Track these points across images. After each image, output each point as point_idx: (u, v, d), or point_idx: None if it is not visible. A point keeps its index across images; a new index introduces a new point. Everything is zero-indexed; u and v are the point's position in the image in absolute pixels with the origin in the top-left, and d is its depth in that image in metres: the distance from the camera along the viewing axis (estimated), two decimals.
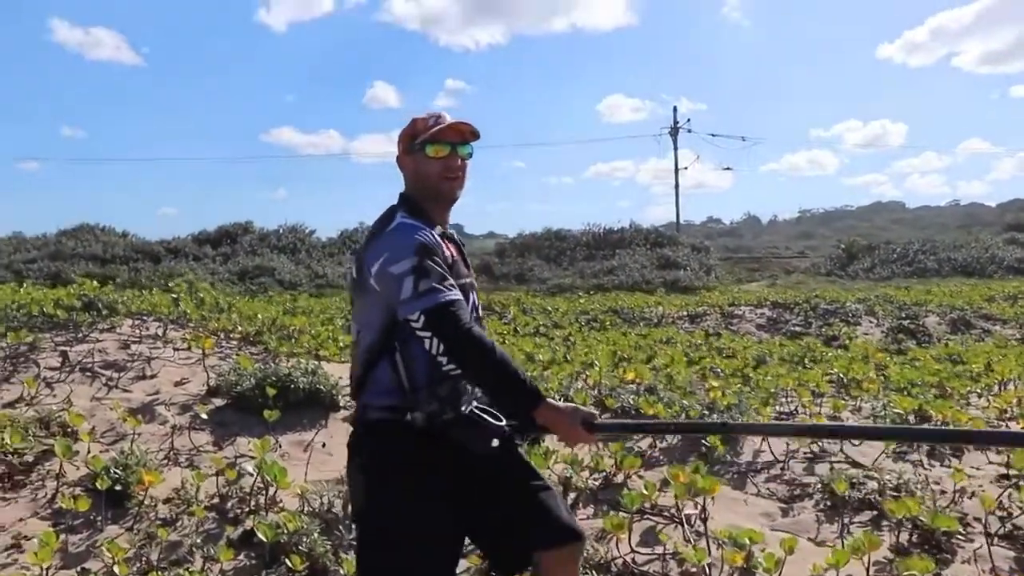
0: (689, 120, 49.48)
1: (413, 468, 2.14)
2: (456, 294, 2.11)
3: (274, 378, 5.19)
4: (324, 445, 4.91)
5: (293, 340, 6.96)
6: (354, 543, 2.72)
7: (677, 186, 51.35)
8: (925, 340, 12.92)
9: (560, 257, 39.70)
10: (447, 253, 2.22)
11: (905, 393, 6.13)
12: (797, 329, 14.06)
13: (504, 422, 2.15)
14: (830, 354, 9.18)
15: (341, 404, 5.40)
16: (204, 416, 4.92)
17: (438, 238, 2.21)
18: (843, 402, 5.91)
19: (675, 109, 50.71)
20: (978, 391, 6.60)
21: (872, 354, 9.16)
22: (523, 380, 2.09)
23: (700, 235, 55.00)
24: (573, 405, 2.20)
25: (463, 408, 2.13)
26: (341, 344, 7.22)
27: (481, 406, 2.15)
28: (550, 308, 15.54)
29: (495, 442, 2.14)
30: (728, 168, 52.15)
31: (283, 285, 24.79)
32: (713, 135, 52.75)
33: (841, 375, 6.96)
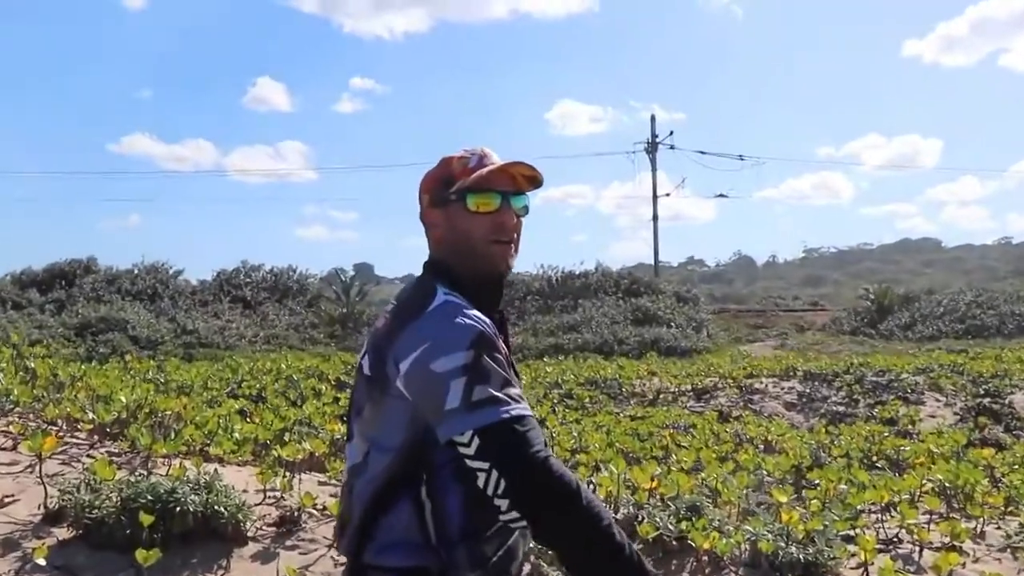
0: (672, 134, 49.67)
1: None
2: (526, 408, 1.92)
3: (150, 497, 4.57)
4: None
5: (172, 433, 6.33)
6: None
7: (656, 218, 51.57)
8: (1017, 426, 12.76)
9: (506, 309, 39.46)
10: (504, 350, 2.04)
11: None
12: (840, 409, 13.85)
13: None
14: (910, 448, 8.83)
15: (249, 534, 4.81)
16: (41, 561, 4.25)
17: (495, 327, 2.05)
18: (961, 524, 5.51)
19: (653, 119, 50.52)
20: None
21: (966, 449, 8.86)
22: (625, 548, 1.88)
23: (678, 279, 55.17)
24: None
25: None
26: (238, 436, 6.62)
27: None
28: None
29: None
30: (722, 195, 51.88)
31: (139, 344, 23.87)
32: (702, 152, 53.25)
33: (947, 484, 6.57)
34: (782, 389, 14.92)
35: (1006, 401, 13.91)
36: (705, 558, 4.93)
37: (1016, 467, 7.81)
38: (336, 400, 10.30)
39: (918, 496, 6.30)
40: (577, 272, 41.41)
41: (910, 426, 12.26)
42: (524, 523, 1.86)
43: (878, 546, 5.20)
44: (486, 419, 1.83)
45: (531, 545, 2.22)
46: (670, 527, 5.00)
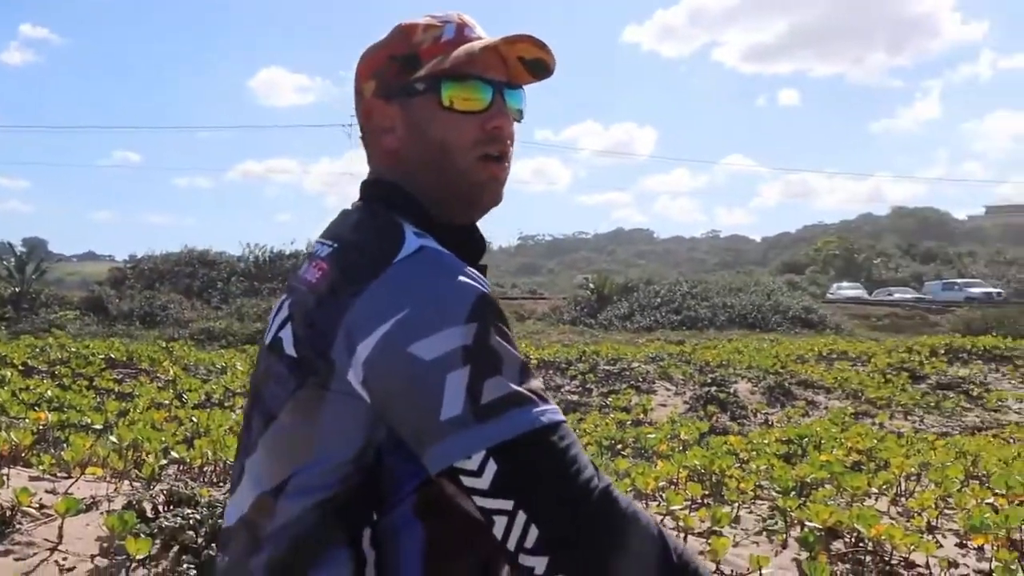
0: None
1: None
2: (559, 411, 1.26)
3: None
4: None
5: None
6: None
7: None
8: (741, 414, 13.63)
9: (208, 291, 38.29)
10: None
11: (797, 495, 6.16)
12: (574, 398, 14.28)
13: None
14: (654, 436, 9.23)
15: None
16: None
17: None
18: (722, 509, 5.79)
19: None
20: (876, 491, 6.83)
21: (705, 437, 9.35)
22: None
23: None
24: None
25: None
26: None
27: None
28: (227, 365, 14.61)
29: None
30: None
31: None
32: None
33: (702, 470, 6.91)
34: None
35: (731, 390, 14.86)
36: None
37: (756, 453, 8.30)
38: (27, 388, 9.57)
39: (675, 483, 6.57)
40: (287, 252, 40.72)
41: (643, 415, 12.86)
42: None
43: None
44: (508, 431, 1.19)
45: None
46: None
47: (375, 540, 1.30)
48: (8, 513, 4.60)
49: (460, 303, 1.25)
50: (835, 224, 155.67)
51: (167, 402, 10.32)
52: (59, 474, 5.69)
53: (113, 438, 6.14)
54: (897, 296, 53.84)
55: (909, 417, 13.82)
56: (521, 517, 1.17)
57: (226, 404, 10.85)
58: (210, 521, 4.52)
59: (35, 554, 4.43)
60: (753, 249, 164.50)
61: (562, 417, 1.25)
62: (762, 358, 18.40)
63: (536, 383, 1.26)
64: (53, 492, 5.06)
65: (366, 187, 1.54)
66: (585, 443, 8.83)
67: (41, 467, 5.69)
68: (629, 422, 11.43)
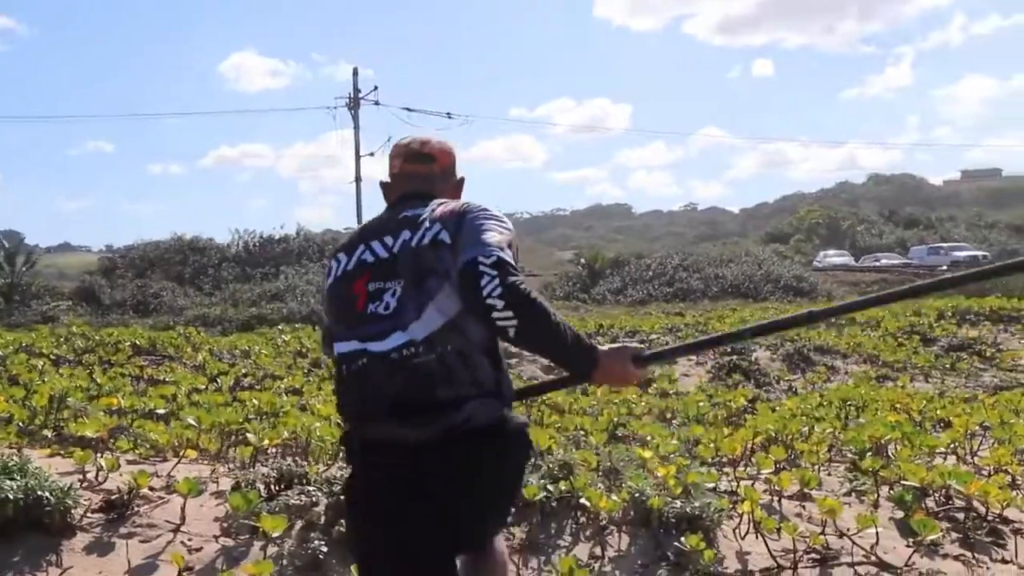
0: (376, 89, 49.10)
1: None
2: (519, 272, 2.84)
3: None
4: None
5: None
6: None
7: (359, 179, 50.62)
8: (764, 382, 13.68)
9: (199, 278, 38.08)
10: None
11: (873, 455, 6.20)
12: None
13: None
14: (701, 403, 9.27)
15: (77, 524, 4.31)
16: None
17: None
18: (809, 472, 5.83)
19: (355, 72, 49.66)
20: (944, 450, 6.86)
21: (752, 404, 9.39)
22: (583, 338, 2.80)
23: None
24: (619, 345, 2.96)
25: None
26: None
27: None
28: (250, 348, 14.56)
29: None
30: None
31: None
32: (409, 110, 52.99)
33: (775, 434, 6.93)
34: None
35: (752, 358, 14.93)
36: (584, 519, 4.94)
37: (807, 418, 8.32)
38: (71, 376, 9.50)
39: (750, 448, 6.58)
40: (277, 237, 40.49)
41: (668, 384, 12.87)
42: (512, 321, 2.66)
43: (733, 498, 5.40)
44: (504, 255, 2.74)
45: None
46: (548, 488, 4.96)
47: (487, 352, 2.85)
48: (124, 497, 4.57)
49: (504, 221, 2.92)
50: (813, 193, 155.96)
51: (203, 387, 10.26)
52: (152, 458, 5.67)
53: (192, 420, 6.11)
54: (884, 262, 54.12)
55: (929, 379, 13.91)
56: (496, 280, 2.67)
57: (264, 387, 10.80)
58: (331, 499, 4.51)
59: (159, 536, 4.42)
60: (731, 220, 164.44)
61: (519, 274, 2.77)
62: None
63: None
64: (156, 475, 5.03)
65: (429, 193, 3.14)
66: (639, 414, 8.84)
67: (138, 452, 5.66)
68: (656, 393, 11.44)
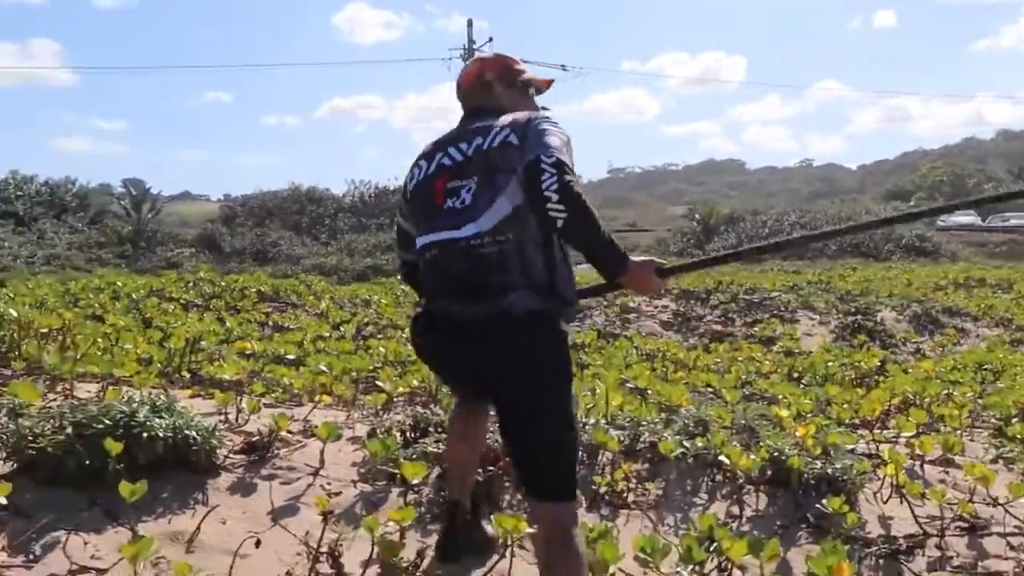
0: (491, 40, 48.70)
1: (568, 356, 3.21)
2: (577, 175, 3.10)
3: (107, 422, 4.07)
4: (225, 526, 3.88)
5: (70, 353, 5.71)
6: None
7: None
8: (890, 343, 13.35)
9: (316, 227, 38.66)
10: None
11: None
12: (717, 327, 14.14)
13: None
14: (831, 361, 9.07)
15: (221, 464, 4.38)
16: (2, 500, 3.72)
17: None
18: (953, 436, 5.62)
19: (470, 23, 49.43)
20: None
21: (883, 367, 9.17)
22: (618, 245, 3.03)
23: None
24: (647, 258, 3.14)
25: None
26: (140, 353, 6.09)
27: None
28: (370, 298, 14.71)
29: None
30: (544, 108, 51.33)
31: None
32: (525, 61, 52.67)
33: (912, 396, 6.73)
34: (656, 308, 15.11)
35: (877, 319, 14.57)
36: (720, 477, 4.86)
37: (941, 381, 8.07)
38: (201, 319, 9.69)
39: (888, 410, 6.41)
40: (392, 188, 40.78)
41: (791, 341, 12.66)
42: (563, 214, 2.91)
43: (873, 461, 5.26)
44: (563, 157, 2.99)
45: None
46: (685, 444, 4.89)
47: (546, 248, 3.11)
48: (265, 440, 4.63)
49: (563, 131, 3.15)
50: (937, 149, 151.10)
51: (327, 334, 10.39)
52: (287, 402, 5.74)
53: (323, 367, 6.17)
54: (1014, 222, 51.86)
55: None
56: (554, 177, 2.92)
57: (386, 336, 10.90)
58: None
59: (299, 479, 4.46)
60: (849, 177, 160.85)
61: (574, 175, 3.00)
62: (897, 287, 17.99)
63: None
64: (292, 419, 5.09)
65: (489, 110, 3.42)
66: (767, 372, 8.68)
67: (273, 395, 5.74)
68: (781, 351, 11.24)
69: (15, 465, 4.09)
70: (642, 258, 3.12)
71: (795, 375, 8.92)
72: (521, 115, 3.25)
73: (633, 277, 3.08)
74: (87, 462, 3.96)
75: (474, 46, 49.80)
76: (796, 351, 11.70)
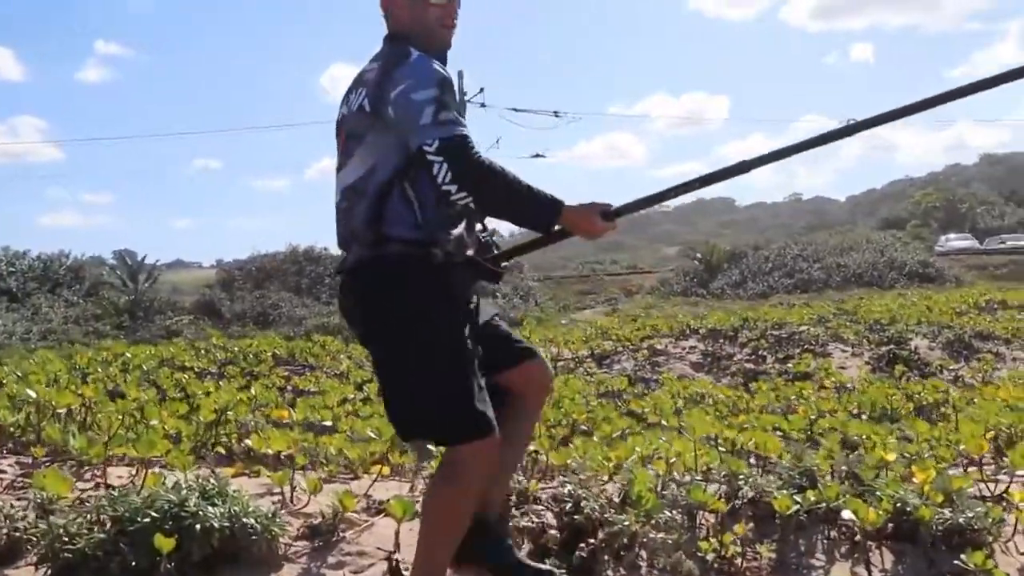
0: (483, 91, 47.96)
1: (451, 299, 3.07)
2: (469, 130, 2.94)
3: (154, 514, 3.55)
4: None
5: (94, 433, 5.20)
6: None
7: None
8: (928, 372, 12.90)
9: (316, 287, 38.18)
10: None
11: None
12: (749, 366, 13.70)
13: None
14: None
15: (283, 553, 3.85)
16: None
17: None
18: None
19: (460, 75, 49.37)
20: None
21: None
22: (539, 192, 3.01)
23: None
24: (587, 203, 3.10)
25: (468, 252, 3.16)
26: (168, 429, 5.57)
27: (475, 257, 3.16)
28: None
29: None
30: (539, 155, 50.33)
31: None
32: (516, 110, 52.33)
33: (1002, 430, 6.24)
34: (683, 349, 14.75)
35: (912, 347, 14.13)
36: (835, 533, 4.34)
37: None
38: (216, 389, 9.17)
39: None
40: None
41: (825, 377, 12.15)
42: (468, 199, 2.91)
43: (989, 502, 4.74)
44: (446, 133, 2.87)
45: None
46: (796, 499, 4.36)
47: (413, 189, 3.02)
48: (329, 523, 4.09)
49: (433, 79, 2.96)
50: (922, 177, 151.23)
51: (351, 396, 9.90)
52: (341, 475, 5.21)
53: (371, 432, 5.65)
54: (1011, 244, 51.79)
55: None
56: (446, 167, 2.87)
57: None
58: (562, 519, 3.99)
59: (371, 564, 3.91)
60: (838, 209, 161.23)
61: (469, 132, 2.92)
62: (918, 312, 17.59)
63: (461, 119, 2.94)
64: (351, 494, 4.55)
65: (389, 38, 3.24)
66: (830, 410, 8.16)
67: (327, 469, 5.21)
68: (833, 388, 10.74)
69: (48, 570, 3.55)
70: (584, 204, 3.09)
71: (849, 411, 8.41)
72: (372, 72, 3.12)
73: (573, 221, 3.05)
74: (133, 563, 3.44)
75: (465, 97, 49.61)
76: (848, 386, 11.19)
